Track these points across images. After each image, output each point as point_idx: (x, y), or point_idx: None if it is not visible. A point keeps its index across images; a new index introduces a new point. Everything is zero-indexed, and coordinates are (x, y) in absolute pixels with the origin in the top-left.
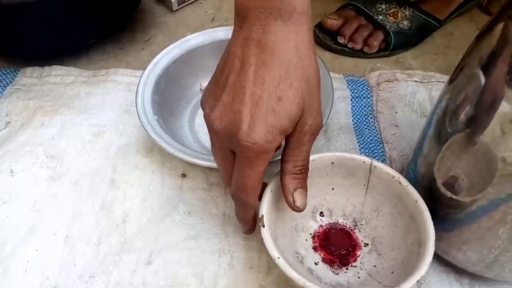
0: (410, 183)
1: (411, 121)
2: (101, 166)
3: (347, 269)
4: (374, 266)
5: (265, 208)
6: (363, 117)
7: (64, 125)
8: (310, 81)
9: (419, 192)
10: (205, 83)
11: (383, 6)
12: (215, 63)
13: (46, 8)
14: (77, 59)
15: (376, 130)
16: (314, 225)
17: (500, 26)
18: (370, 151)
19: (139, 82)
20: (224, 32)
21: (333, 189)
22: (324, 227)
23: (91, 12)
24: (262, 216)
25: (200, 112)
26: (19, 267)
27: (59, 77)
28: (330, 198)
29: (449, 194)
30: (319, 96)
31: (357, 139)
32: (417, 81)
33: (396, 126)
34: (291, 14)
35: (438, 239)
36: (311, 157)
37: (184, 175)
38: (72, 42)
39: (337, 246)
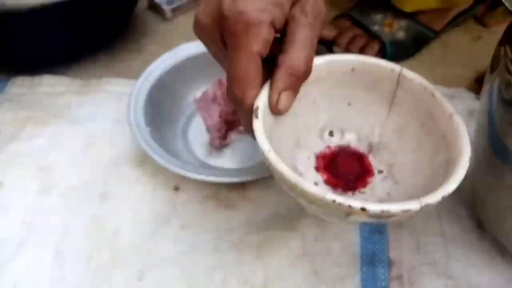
0: None
1: None
2: (92, 178)
3: (353, 193)
4: (388, 193)
5: (263, 100)
6: None
7: (55, 136)
8: None
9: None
10: (198, 94)
11: (379, 17)
12: (209, 73)
13: (37, 18)
14: (68, 68)
15: None
16: (321, 144)
17: None
18: None
19: (131, 93)
20: None
21: (349, 104)
22: (332, 149)
23: (83, 21)
24: (257, 107)
25: (194, 123)
26: (8, 282)
27: (50, 86)
28: (344, 115)
29: None
30: None
31: None
32: None
33: None
34: None
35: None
36: (329, 58)
37: (177, 188)
38: (64, 51)
39: (344, 170)
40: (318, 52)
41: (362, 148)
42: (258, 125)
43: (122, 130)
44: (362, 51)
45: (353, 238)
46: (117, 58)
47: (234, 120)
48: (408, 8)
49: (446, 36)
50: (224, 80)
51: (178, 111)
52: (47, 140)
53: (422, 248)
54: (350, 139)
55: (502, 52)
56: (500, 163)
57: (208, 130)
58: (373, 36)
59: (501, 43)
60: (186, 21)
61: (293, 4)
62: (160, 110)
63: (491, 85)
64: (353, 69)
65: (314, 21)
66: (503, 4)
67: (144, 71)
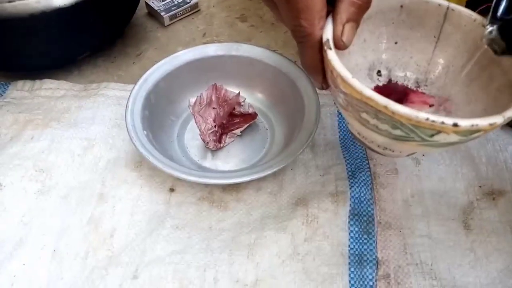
0: None
1: None
2: (90, 180)
3: None
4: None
5: (330, 32)
6: (349, 133)
7: (54, 139)
8: None
9: None
10: (193, 99)
11: None
12: (204, 79)
13: (38, 23)
14: (68, 72)
15: (362, 146)
16: (370, 84)
17: None
18: (356, 166)
19: (129, 97)
20: (214, 48)
21: (396, 43)
22: (381, 88)
23: (84, 27)
24: (328, 39)
25: (189, 127)
26: (6, 281)
27: (50, 90)
28: (391, 54)
29: None
30: None
31: (343, 154)
32: None
33: None
34: None
35: None
36: None
37: (172, 190)
38: (64, 56)
39: None
40: None
41: (410, 84)
42: (333, 55)
43: (120, 133)
44: None
45: (342, 239)
46: (116, 63)
47: (229, 124)
48: None
49: None
50: (218, 85)
51: (174, 115)
52: (47, 142)
53: (409, 248)
54: (397, 76)
55: None
56: None
57: (201, 134)
58: None
59: None
60: (183, 27)
61: None
62: (156, 114)
63: None
64: (402, 6)
65: None
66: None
67: (142, 76)
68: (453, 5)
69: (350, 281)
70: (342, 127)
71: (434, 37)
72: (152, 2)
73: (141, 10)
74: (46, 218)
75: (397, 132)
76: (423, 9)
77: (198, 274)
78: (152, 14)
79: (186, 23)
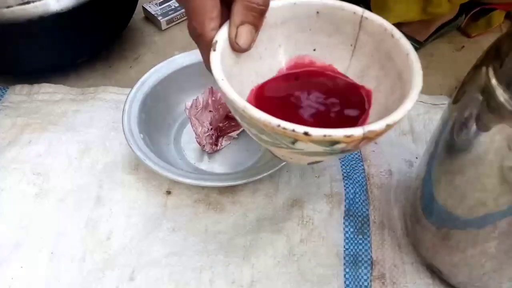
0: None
1: (390, 138)
2: (87, 183)
3: None
4: None
5: (223, 36)
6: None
7: (52, 143)
8: None
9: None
10: (189, 102)
11: None
12: (201, 82)
13: (36, 28)
14: (66, 76)
15: None
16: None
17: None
18: (350, 167)
19: (126, 100)
20: None
21: (314, 50)
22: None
23: (81, 31)
24: (216, 41)
25: (186, 130)
26: (3, 284)
27: (48, 94)
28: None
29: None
30: None
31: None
32: None
33: (376, 143)
34: None
35: (432, 257)
36: (293, 0)
37: (169, 192)
38: (62, 61)
39: None
40: None
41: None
42: (215, 57)
43: (117, 136)
44: None
45: (337, 240)
46: (114, 67)
47: (225, 126)
48: (391, 20)
49: (430, 46)
50: (215, 88)
51: (171, 119)
52: (44, 146)
53: (404, 248)
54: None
55: (482, 72)
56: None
57: (197, 137)
58: None
59: (478, 66)
60: (180, 32)
61: None
62: (153, 118)
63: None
64: (318, 12)
65: None
66: (485, 15)
67: (139, 80)
68: (367, 13)
69: (345, 282)
70: None
71: (351, 45)
72: (149, 6)
73: (138, 14)
74: (43, 221)
75: (264, 137)
76: (339, 16)
77: (194, 276)
78: (149, 18)
79: (183, 27)
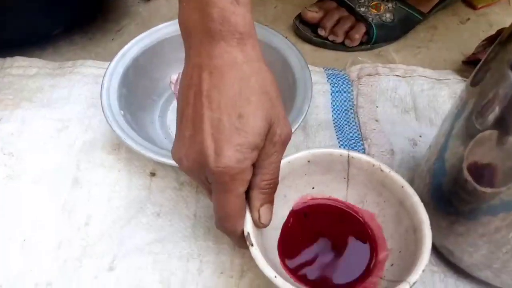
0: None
1: (392, 116)
2: (63, 163)
3: None
4: None
5: (250, 223)
6: (343, 112)
7: (25, 120)
8: (268, 91)
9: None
10: (174, 76)
11: None
12: None
13: None
14: (43, 50)
15: (356, 126)
16: None
17: None
18: (350, 147)
19: (105, 73)
20: None
21: (313, 188)
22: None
23: None
24: (248, 233)
25: (172, 107)
26: None
27: (22, 68)
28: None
29: (472, 185)
30: (281, 105)
31: (336, 135)
32: (399, 76)
33: (377, 120)
34: (233, 34)
35: (444, 238)
36: (287, 159)
37: (153, 174)
38: (37, 31)
39: None
40: (303, 36)
41: None
42: (256, 252)
43: (96, 113)
44: (347, 34)
45: None
46: (94, 40)
47: None
48: None
49: (434, 19)
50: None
51: (155, 94)
52: (17, 124)
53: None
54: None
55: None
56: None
57: None
58: (359, 18)
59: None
60: (166, 2)
61: (266, 138)
62: (136, 93)
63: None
64: (309, 161)
65: (281, 147)
66: None
67: (119, 51)
68: (352, 153)
69: None
70: (335, 106)
71: (344, 178)
72: None
73: None
74: (15, 205)
75: None
76: (328, 160)
77: (180, 265)
78: None
79: None
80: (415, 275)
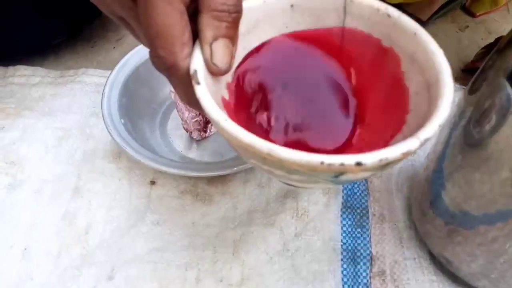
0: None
1: None
2: (64, 172)
3: None
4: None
5: (199, 59)
6: None
7: (27, 129)
8: None
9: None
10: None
11: None
12: None
13: (9, 5)
14: (44, 58)
15: None
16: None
17: None
18: None
19: (106, 83)
20: None
21: (295, 49)
22: None
23: (58, 8)
24: (196, 71)
25: (173, 115)
26: None
27: (24, 77)
28: None
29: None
30: None
31: None
32: None
33: None
34: None
35: (443, 248)
36: None
37: (153, 182)
38: (39, 41)
39: None
40: None
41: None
42: (202, 92)
43: (98, 122)
44: None
45: (334, 233)
46: (96, 48)
47: None
48: (394, 0)
49: (433, 26)
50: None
51: (155, 103)
52: (19, 133)
53: (405, 242)
54: None
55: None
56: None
57: (184, 124)
58: None
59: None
60: None
61: None
62: (136, 102)
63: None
64: (292, 6)
65: None
66: None
67: (120, 61)
68: None
69: (343, 279)
70: None
71: (338, 34)
72: None
73: None
74: (16, 214)
75: (296, 177)
76: (318, 4)
77: (178, 274)
78: None
79: None
80: (429, 131)
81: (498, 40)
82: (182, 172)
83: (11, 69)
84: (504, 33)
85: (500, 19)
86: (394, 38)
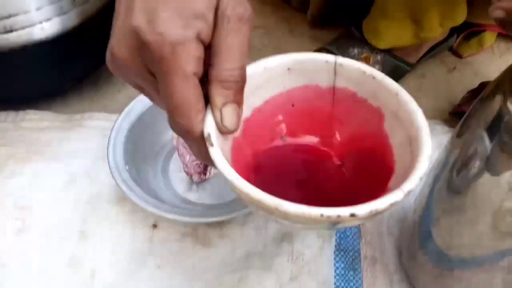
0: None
1: None
2: (71, 217)
3: None
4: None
5: (211, 124)
6: None
7: (36, 174)
8: None
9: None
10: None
11: (356, 51)
12: None
13: (20, 56)
14: (52, 102)
15: None
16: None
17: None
18: None
19: (111, 130)
20: None
21: (293, 105)
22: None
23: (67, 58)
24: (209, 134)
25: (174, 158)
26: None
27: (34, 122)
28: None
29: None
30: None
31: None
32: None
33: None
34: None
35: None
36: (263, 64)
37: (155, 226)
38: (47, 88)
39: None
40: None
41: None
42: (216, 153)
43: (103, 166)
44: None
45: (328, 276)
46: (102, 91)
47: None
48: (382, 45)
49: (423, 67)
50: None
51: (158, 147)
52: (28, 178)
53: (395, 284)
54: (304, 135)
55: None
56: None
57: (185, 167)
58: None
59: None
60: None
61: (215, 12)
62: (140, 148)
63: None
64: (289, 69)
65: (238, 24)
66: (476, 35)
67: (125, 109)
68: (340, 59)
69: None
70: None
71: (330, 93)
72: None
73: None
74: (25, 258)
75: (299, 226)
76: (312, 67)
77: None
78: None
79: None
80: (411, 183)
81: (481, 85)
82: (183, 219)
83: (21, 113)
84: (490, 73)
85: (486, 60)
86: (379, 96)
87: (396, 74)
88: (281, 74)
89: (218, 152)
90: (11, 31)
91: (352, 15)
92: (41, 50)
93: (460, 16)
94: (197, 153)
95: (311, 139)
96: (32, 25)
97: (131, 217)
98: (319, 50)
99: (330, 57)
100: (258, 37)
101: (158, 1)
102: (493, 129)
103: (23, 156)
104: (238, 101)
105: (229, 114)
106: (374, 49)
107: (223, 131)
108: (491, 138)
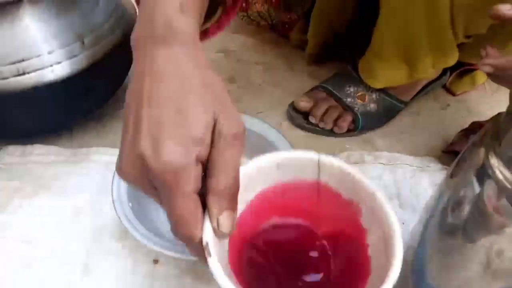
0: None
1: None
2: (75, 250)
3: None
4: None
5: (209, 231)
6: None
7: (42, 208)
8: (212, 85)
9: None
10: None
11: (352, 89)
12: None
13: (30, 97)
14: (59, 137)
15: None
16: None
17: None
18: None
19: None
20: None
21: (282, 195)
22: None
23: (75, 97)
24: (207, 243)
25: None
26: None
27: (40, 156)
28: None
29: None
30: (229, 99)
31: None
32: (383, 164)
33: None
34: (176, 39)
35: None
36: (255, 164)
37: (156, 261)
38: (56, 125)
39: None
40: (296, 123)
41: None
42: (213, 263)
43: (107, 200)
44: (336, 122)
45: None
46: (107, 126)
47: None
48: (377, 85)
49: (417, 104)
50: None
51: None
52: (33, 212)
53: None
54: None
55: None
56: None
57: None
58: (346, 108)
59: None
60: None
61: (213, 130)
62: None
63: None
64: (277, 164)
65: (232, 142)
66: (469, 73)
67: None
68: (323, 158)
69: None
70: None
71: (315, 186)
72: None
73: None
74: None
75: None
76: (299, 164)
77: None
78: None
79: None
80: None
81: (473, 124)
82: (181, 256)
83: (29, 148)
84: (482, 111)
85: (478, 98)
86: (357, 193)
87: (391, 112)
88: (271, 169)
89: (216, 262)
90: (23, 73)
91: (349, 53)
92: (50, 91)
93: (452, 58)
94: (197, 256)
95: (298, 221)
96: (43, 68)
97: (133, 251)
98: (316, 87)
99: (314, 155)
100: (258, 73)
101: (162, 128)
102: (480, 178)
103: (30, 190)
104: (233, 206)
105: (225, 220)
106: (369, 88)
107: (220, 235)
108: (480, 184)
